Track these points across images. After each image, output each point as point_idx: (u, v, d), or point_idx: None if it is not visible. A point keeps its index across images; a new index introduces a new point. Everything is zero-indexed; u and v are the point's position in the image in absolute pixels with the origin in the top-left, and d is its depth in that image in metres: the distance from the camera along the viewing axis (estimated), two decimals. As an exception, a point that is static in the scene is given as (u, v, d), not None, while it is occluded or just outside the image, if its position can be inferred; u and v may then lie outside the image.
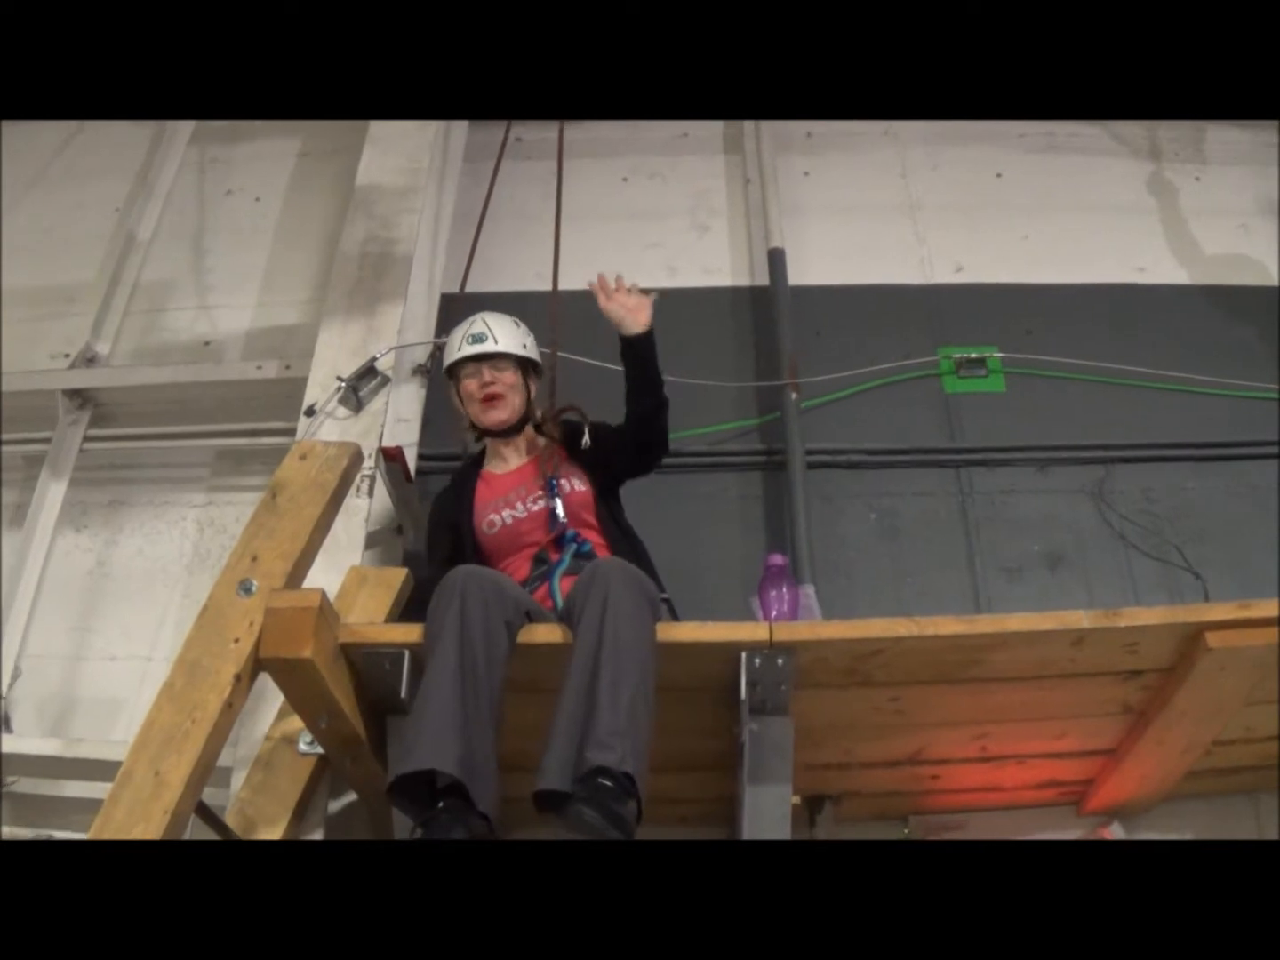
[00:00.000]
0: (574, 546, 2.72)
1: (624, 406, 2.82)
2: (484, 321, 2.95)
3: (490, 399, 2.89)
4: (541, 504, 2.79)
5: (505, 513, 2.81)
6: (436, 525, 2.96)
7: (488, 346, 2.90)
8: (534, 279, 4.36)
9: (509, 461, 2.95)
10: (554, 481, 2.82)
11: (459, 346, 2.94)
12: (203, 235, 4.62)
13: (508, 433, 2.93)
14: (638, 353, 2.74)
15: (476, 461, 3.02)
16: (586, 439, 2.88)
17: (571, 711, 2.11)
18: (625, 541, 2.79)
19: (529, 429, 2.99)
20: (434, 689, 2.18)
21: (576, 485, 2.82)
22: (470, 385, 2.92)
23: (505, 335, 2.93)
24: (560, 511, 2.78)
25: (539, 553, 2.74)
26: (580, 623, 2.23)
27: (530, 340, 2.99)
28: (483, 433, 2.97)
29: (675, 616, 2.68)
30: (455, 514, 2.89)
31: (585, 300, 2.95)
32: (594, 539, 2.77)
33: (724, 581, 3.54)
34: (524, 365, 2.95)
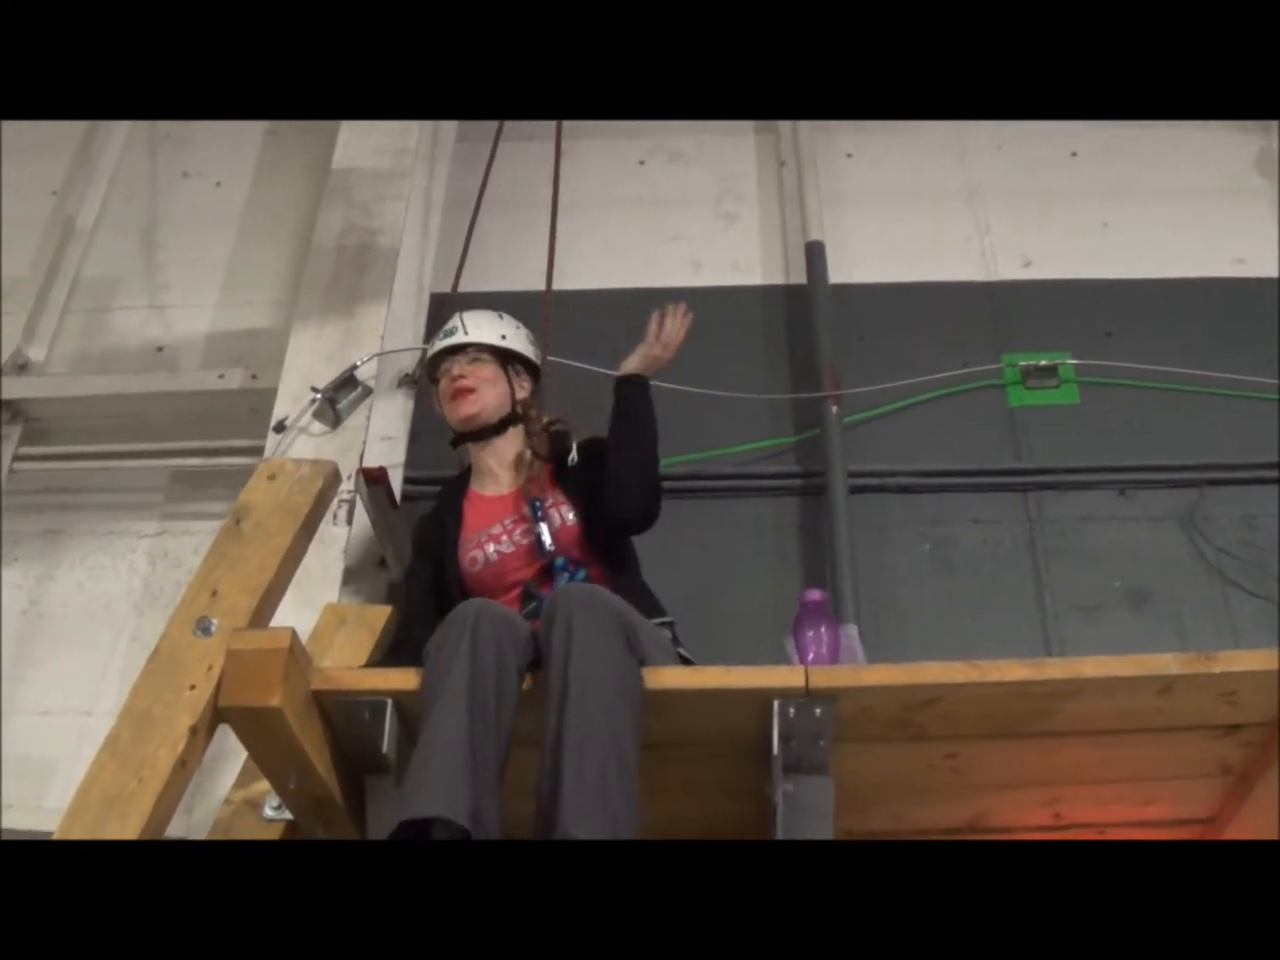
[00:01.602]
0: (566, 575, 2.72)
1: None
2: (459, 317, 3.03)
3: (459, 393, 2.93)
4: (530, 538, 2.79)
5: (490, 547, 2.80)
6: (419, 554, 2.95)
7: (457, 338, 2.97)
8: (539, 277, 4.39)
9: (499, 481, 2.93)
10: (538, 504, 2.82)
11: (431, 346, 3.04)
12: (155, 224, 4.66)
13: (484, 434, 2.93)
14: (638, 395, 2.83)
15: (464, 478, 3.02)
16: (574, 455, 2.87)
17: (540, 784, 2.12)
18: (624, 574, 2.79)
19: (519, 440, 2.98)
20: (442, 730, 2.18)
21: (566, 516, 2.80)
22: (443, 383, 2.98)
23: (479, 326, 3.00)
24: (546, 537, 2.77)
25: (527, 586, 2.74)
26: (547, 670, 2.23)
27: (515, 333, 3.04)
28: (459, 437, 2.98)
29: (678, 643, 2.67)
30: (438, 543, 2.88)
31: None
32: (590, 570, 2.77)
33: (754, 621, 3.55)
34: (505, 359, 2.98)
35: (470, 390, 2.92)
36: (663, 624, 2.65)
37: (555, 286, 3.92)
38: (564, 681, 2.18)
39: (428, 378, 3.06)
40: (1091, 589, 3.75)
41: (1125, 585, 3.76)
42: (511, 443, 2.96)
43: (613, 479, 2.74)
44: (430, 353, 3.02)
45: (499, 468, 2.93)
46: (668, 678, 2.31)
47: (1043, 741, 2.45)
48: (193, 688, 2.26)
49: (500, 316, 3.05)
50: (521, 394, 3.00)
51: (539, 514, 2.80)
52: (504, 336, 3.00)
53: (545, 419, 3.00)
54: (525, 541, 2.79)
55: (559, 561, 2.75)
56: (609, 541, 2.82)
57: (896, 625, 3.66)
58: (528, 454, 2.95)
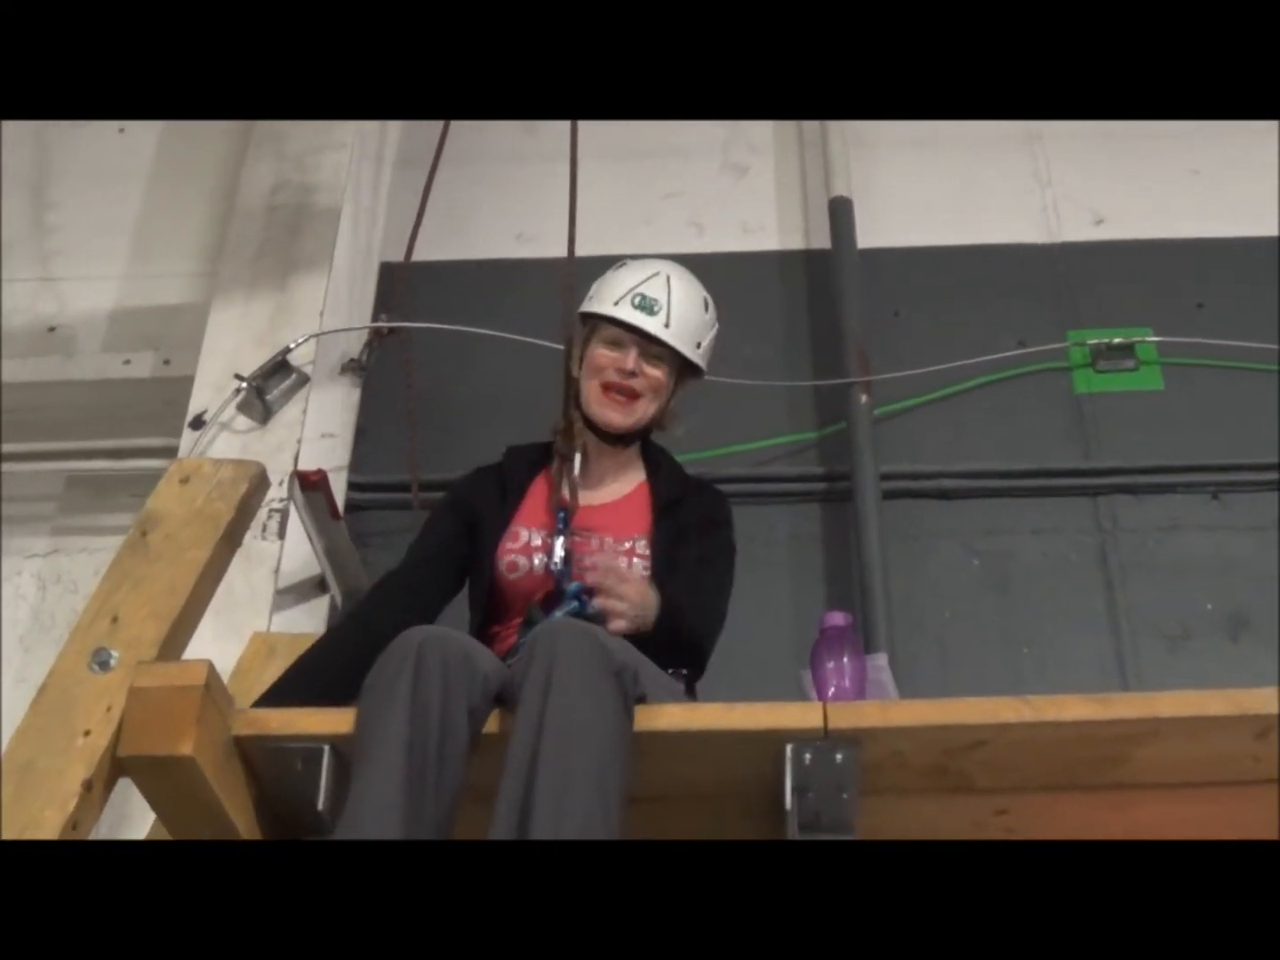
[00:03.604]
0: (574, 604, 2.69)
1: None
2: (667, 282, 2.91)
3: (621, 393, 2.88)
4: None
5: (538, 558, 2.79)
6: (452, 509, 2.93)
7: (654, 326, 2.86)
8: (513, 242, 4.41)
9: (592, 480, 2.91)
10: (565, 515, 2.81)
11: (618, 299, 2.89)
12: (45, 179, 4.67)
13: (614, 440, 2.93)
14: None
15: (546, 452, 2.97)
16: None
17: (502, 831, 2.13)
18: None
19: (636, 452, 2.97)
20: (372, 802, 2.19)
21: (636, 554, 2.80)
22: (603, 358, 2.88)
23: (683, 322, 2.89)
24: (559, 554, 2.76)
25: (530, 611, 2.73)
26: (518, 708, 2.22)
27: (710, 336, 2.95)
28: (585, 422, 2.92)
29: (694, 698, 2.70)
30: (484, 515, 2.87)
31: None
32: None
33: (766, 649, 3.57)
34: (683, 367, 2.93)
35: (636, 398, 2.87)
36: (674, 674, 2.65)
37: (525, 254, 3.96)
38: (538, 725, 2.17)
39: (583, 317, 2.96)
40: (1178, 612, 3.78)
41: (1219, 608, 3.79)
42: (627, 452, 2.96)
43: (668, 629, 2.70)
44: (615, 314, 2.87)
45: (602, 468, 2.93)
46: (657, 718, 2.30)
47: (1113, 795, 2.44)
48: (87, 734, 2.25)
49: (705, 305, 2.94)
50: (672, 403, 2.97)
51: (564, 527, 2.79)
52: (699, 345, 2.92)
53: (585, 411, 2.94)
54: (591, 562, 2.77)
55: (572, 587, 2.72)
56: None
57: (938, 656, 3.69)
58: (638, 459, 2.97)
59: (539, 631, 2.33)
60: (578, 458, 2.89)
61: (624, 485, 2.93)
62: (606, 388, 2.85)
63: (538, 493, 2.90)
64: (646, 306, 2.86)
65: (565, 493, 2.84)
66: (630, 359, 2.84)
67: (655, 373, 2.86)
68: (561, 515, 2.82)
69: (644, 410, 2.88)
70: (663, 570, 2.76)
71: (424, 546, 2.91)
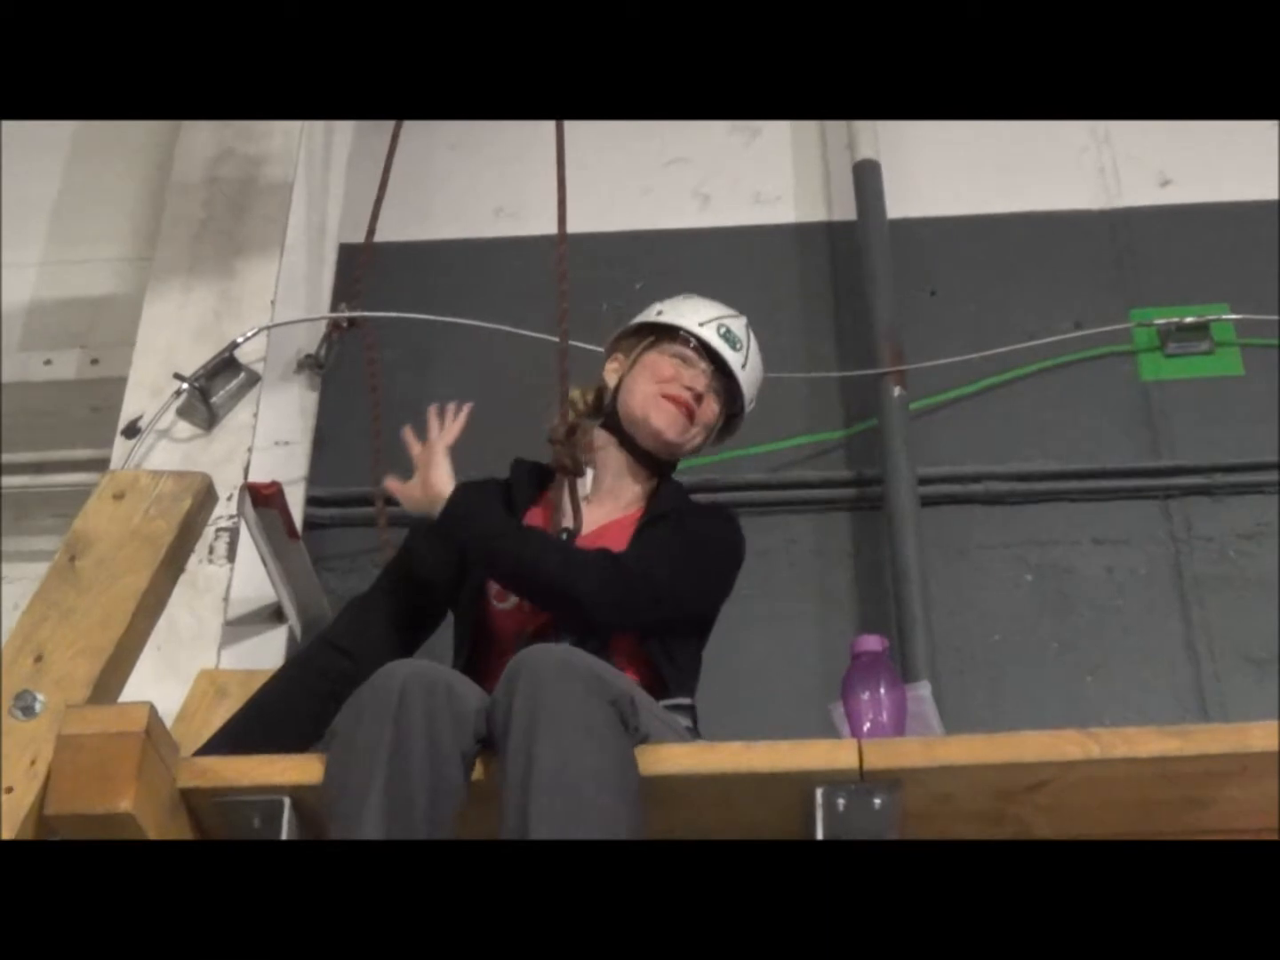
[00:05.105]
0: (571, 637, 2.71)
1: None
2: (747, 328, 3.06)
3: (687, 410, 2.93)
4: None
5: None
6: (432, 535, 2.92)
7: (734, 361, 2.99)
8: (491, 219, 4.42)
9: (596, 500, 2.94)
10: (569, 537, 2.83)
11: (704, 321, 3.00)
12: (-52, 152, 4.68)
13: (645, 457, 2.95)
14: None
15: (548, 472, 3.00)
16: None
17: None
18: (663, 641, 2.78)
19: (648, 479, 2.99)
20: None
21: None
22: (668, 368, 2.96)
23: (754, 373, 3.06)
24: None
25: (519, 644, 2.72)
26: (504, 754, 2.22)
27: (757, 393, 3.10)
28: (615, 430, 2.97)
29: (697, 734, 2.69)
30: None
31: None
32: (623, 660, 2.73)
33: (791, 679, 3.59)
34: (730, 415, 3.06)
35: (695, 416, 2.95)
36: (675, 706, 2.67)
37: (505, 232, 3.95)
38: (525, 792, 2.16)
39: (647, 328, 3.04)
40: (1264, 633, 3.76)
41: (1314, 626, 3.77)
42: (644, 476, 2.98)
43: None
44: (700, 333, 2.98)
45: (608, 486, 2.95)
46: (664, 760, 2.30)
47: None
48: (9, 790, 2.24)
49: (761, 361, 3.10)
50: (702, 447, 3.06)
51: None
52: (752, 401, 3.08)
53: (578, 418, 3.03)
54: None
55: None
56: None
57: (988, 685, 3.69)
58: (644, 482, 2.98)
59: (518, 659, 2.32)
60: (590, 473, 2.94)
61: (625, 509, 2.94)
62: (666, 397, 2.92)
63: (538, 512, 2.92)
64: (731, 340, 3.01)
65: (568, 511, 2.87)
66: (703, 380, 2.95)
67: (715, 408, 2.99)
68: (565, 536, 2.83)
69: (695, 439, 2.98)
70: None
71: (405, 566, 2.92)
